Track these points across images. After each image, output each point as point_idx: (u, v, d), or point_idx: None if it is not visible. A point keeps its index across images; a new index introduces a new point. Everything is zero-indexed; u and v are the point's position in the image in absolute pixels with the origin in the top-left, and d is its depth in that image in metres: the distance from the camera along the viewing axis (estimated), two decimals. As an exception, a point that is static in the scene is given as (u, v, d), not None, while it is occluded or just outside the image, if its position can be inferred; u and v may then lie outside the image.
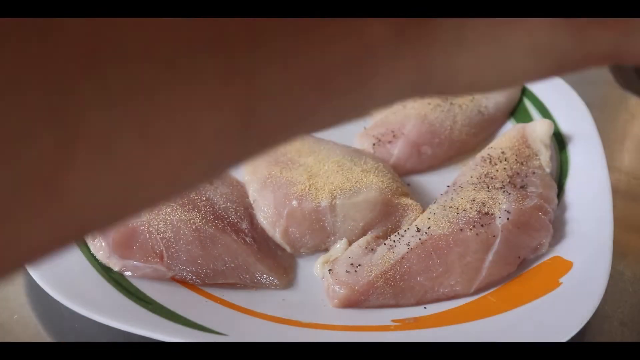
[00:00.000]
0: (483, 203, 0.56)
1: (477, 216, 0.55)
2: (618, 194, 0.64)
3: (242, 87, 0.20)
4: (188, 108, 0.20)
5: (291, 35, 0.21)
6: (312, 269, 0.56)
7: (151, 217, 0.53)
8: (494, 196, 0.57)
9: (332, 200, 0.56)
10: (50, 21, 0.18)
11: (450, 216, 0.55)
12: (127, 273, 0.52)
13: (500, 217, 0.55)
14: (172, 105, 0.19)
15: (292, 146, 0.62)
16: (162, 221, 0.53)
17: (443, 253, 0.53)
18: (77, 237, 0.20)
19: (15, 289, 0.53)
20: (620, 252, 0.57)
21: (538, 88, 0.73)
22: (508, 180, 0.59)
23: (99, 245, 0.52)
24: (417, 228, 0.55)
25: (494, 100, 0.71)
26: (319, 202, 0.56)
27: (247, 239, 0.55)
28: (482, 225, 0.54)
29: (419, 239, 0.54)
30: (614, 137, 0.74)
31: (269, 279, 0.54)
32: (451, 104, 0.69)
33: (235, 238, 0.54)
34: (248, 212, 0.58)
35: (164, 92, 0.19)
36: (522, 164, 0.62)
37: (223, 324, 0.49)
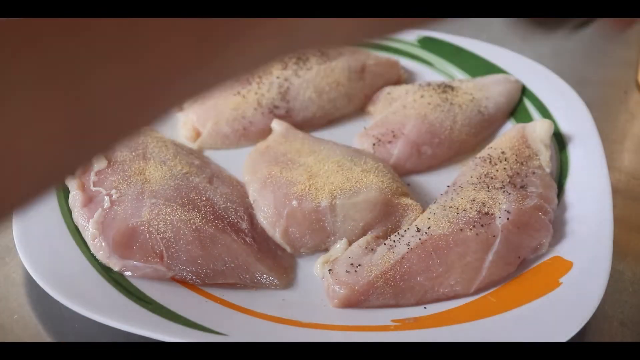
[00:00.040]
0: (483, 203, 0.56)
1: (477, 216, 0.55)
2: (618, 194, 0.64)
3: (72, 91, 0.21)
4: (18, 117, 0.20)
5: (125, 29, 0.22)
6: (312, 269, 0.56)
7: (151, 217, 0.53)
8: (494, 196, 0.57)
9: (332, 200, 0.56)
10: None
11: (450, 216, 0.55)
12: (127, 273, 0.52)
13: (500, 217, 0.55)
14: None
15: (292, 146, 0.62)
16: (162, 221, 0.53)
17: (443, 253, 0.53)
18: None
19: (15, 289, 0.53)
20: (620, 252, 0.58)
21: (538, 88, 0.73)
22: (508, 180, 0.59)
23: (99, 245, 0.52)
24: (417, 228, 0.55)
25: (494, 100, 0.71)
26: (319, 202, 0.56)
27: (247, 239, 0.55)
28: (482, 225, 0.54)
29: (419, 239, 0.54)
30: (614, 137, 0.74)
31: (269, 279, 0.54)
32: (451, 104, 0.69)
33: (235, 238, 0.54)
34: (248, 212, 0.58)
35: None
36: (522, 164, 0.62)
37: (223, 324, 0.49)
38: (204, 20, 0.23)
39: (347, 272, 0.52)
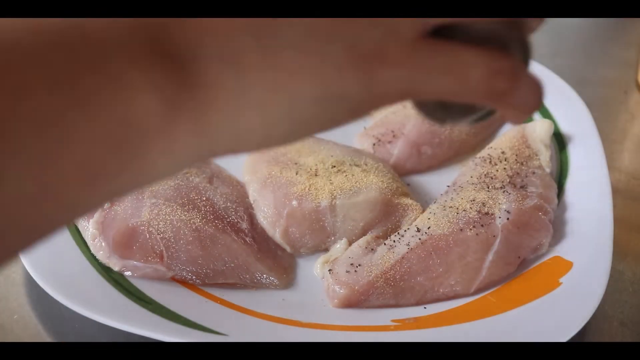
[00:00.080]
0: (483, 203, 0.56)
1: (477, 216, 0.55)
2: (618, 194, 0.64)
3: None
4: None
5: (39, 123, 0.20)
6: (312, 269, 0.56)
7: (151, 217, 0.53)
8: (494, 196, 0.57)
9: (332, 200, 0.56)
10: None
11: (450, 216, 0.55)
12: (127, 273, 0.52)
13: (500, 217, 0.55)
14: None
15: (292, 146, 0.62)
16: (162, 221, 0.53)
17: (443, 253, 0.53)
18: None
19: (15, 289, 0.53)
20: (620, 252, 0.57)
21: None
22: (508, 180, 0.59)
23: (99, 245, 0.52)
24: (417, 228, 0.55)
25: (494, 100, 0.71)
26: (319, 202, 0.56)
27: (247, 239, 0.55)
28: (482, 225, 0.54)
29: (419, 239, 0.54)
30: (614, 137, 0.74)
31: (269, 279, 0.54)
32: (451, 104, 0.69)
33: (235, 238, 0.54)
34: (248, 212, 0.58)
35: None
36: (522, 164, 0.62)
37: (223, 324, 0.49)
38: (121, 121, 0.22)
39: (347, 272, 0.53)
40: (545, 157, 0.63)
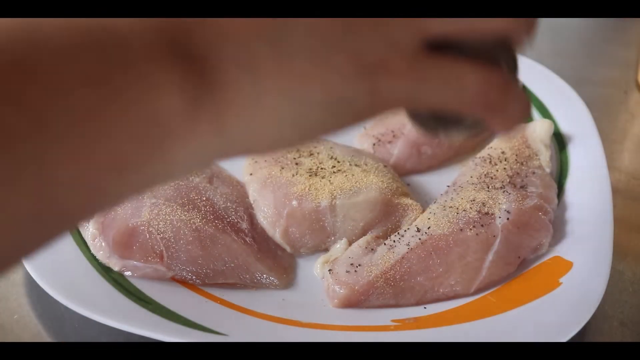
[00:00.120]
0: (483, 203, 0.56)
1: (477, 216, 0.55)
2: (618, 194, 0.64)
3: (31, 180, 0.21)
4: None
5: (76, 116, 0.22)
6: (312, 269, 0.56)
7: (151, 217, 0.53)
8: (494, 196, 0.57)
9: (332, 200, 0.56)
10: None
11: (450, 216, 0.55)
12: (127, 273, 0.52)
13: (500, 217, 0.55)
14: None
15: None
16: (162, 221, 0.53)
17: (443, 253, 0.53)
18: None
19: (15, 289, 0.53)
20: (620, 252, 0.57)
21: (538, 88, 0.73)
22: (508, 180, 0.59)
23: (99, 245, 0.52)
24: (417, 228, 0.55)
25: (494, 100, 0.71)
26: (319, 202, 0.56)
27: (247, 239, 0.55)
28: (482, 225, 0.54)
29: (419, 239, 0.54)
30: (614, 137, 0.74)
31: (269, 279, 0.54)
32: (451, 104, 0.69)
33: (235, 238, 0.54)
34: (248, 212, 0.58)
35: None
36: (522, 164, 0.62)
37: (223, 324, 0.49)
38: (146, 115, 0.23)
39: (347, 272, 0.52)
40: (545, 157, 0.63)
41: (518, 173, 0.60)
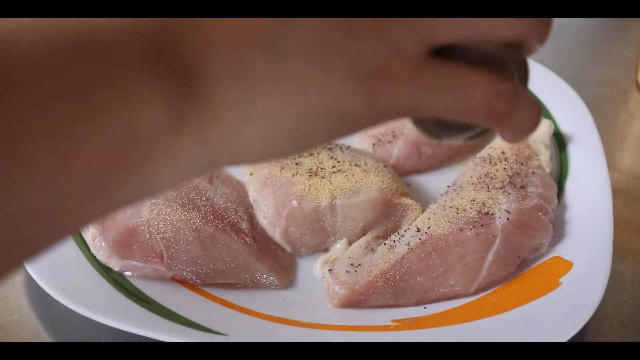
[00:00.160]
0: (483, 203, 0.56)
1: (477, 216, 0.55)
2: (618, 194, 0.64)
3: (7, 206, 0.20)
4: None
5: (47, 134, 0.20)
6: (312, 269, 0.56)
7: (151, 217, 0.53)
8: (494, 196, 0.57)
9: (332, 200, 0.56)
10: None
11: (450, 216, 0.55)
12: (127, 273, 0.52)
13: (500, 217, 0.55)
14: None
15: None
16: (162, 221, 0.53)
17: (443, 253, 0.53)
18: None
19: (15, 289, 0.53)
20: (620, 252, 0.57)
21: (538, 88, 0.73)
22: (508, 180, 0.59)
23: (99, 245, 0.52)
24: (417, 228, 0.55)
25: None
26: (319, 202, 0.56)
27: (247, 239, 0.55)
28: (482, 225, 0.54)
29: (419, 239, 0.54)
30: (614, 137, 0.74)
31: (269, 279, 0.54)
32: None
33: (235, 238, 0.54)
34: (248, 212, 0.58)
35: None
36: (522, 164, 0.62)
37: (223, 324, 0.49)
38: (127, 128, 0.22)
39: (347, 272, 0.52)
40: (545, 157, 0.63)
41: (518, 173, 0.60)
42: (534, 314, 0.50)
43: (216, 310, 0.50)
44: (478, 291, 0.53)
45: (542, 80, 0.74)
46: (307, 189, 0.57)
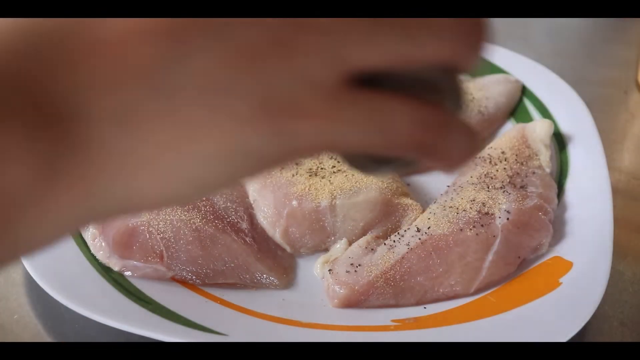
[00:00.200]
0: (483, 203, 0.56)
1: (477, 216, 0.55)
2: (618, 194, 0.64)
3: None
4: None
5: None
6: (312, 269, 0.56)
7: (151, 217, 0.53)
8: (494, 196, 0.57)
9: (332, 200, 0.56)
10: None
11: (450, 216, 0.55)
12: (127, 273, 0.52)
13: (500, 217, 0.55)
14: None
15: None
16: (162, 221, 0.53)
17: (443, 253, 0.53)
18: None
19: (15, 289, 0.53)
20: (620, 252, 0.57)
21: (538, 88, 0.73)
22: (508, 180, 0.59)
23: (99, 245, 0.52)
24: (417, 228, 0.55)
25: (494, 100, 0.71)
26: (319, 202, 0.56)
27: (247, 239, 0.55)
28: (482, 225, 0.54)
29: (419, 239, 0.54)
30: (614, 137, 0.74)
31: (269, 279, 0.54)
32: (451, 104, 0.69)
33: (235, 238, 0.54)
34: (248, 212, 0.58)
35: None
36: (522, 164, 0.62)
37: (223, 324, 0.49)
38: None
39: (347, 272, 0.53)
40: (545, 157, 0.63)
41: (518, 173, 0.60)
42: (534, 314, 0.50)
43: (216, 310, 0.50)
44: (478, 291, 0.53)
45: (542, 80, 0.74)
46: (307, 189, 0.57)
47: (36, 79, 0.20)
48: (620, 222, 0.58)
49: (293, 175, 0.58)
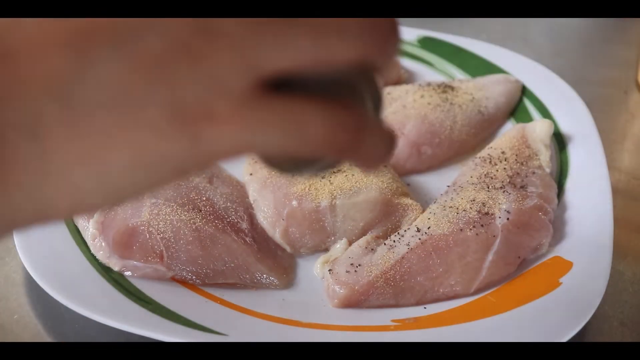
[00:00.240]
0: (483, 203, 0.56)
1: (477, 216, 0.55)
2: (618, 194, 0.64)
3: None
4: None
5: None
6: (312, 269, 0.56)
7: (151, 217, 0.53)
8: (494, 196, 0.57)
9: (332, 200, 0.56)
10: None
11: (450, 216, 0.55)
12: (127, 273, 0.52)
13: (500, 217, 0.55)
14: None
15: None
16: (162, 221, 0.53)
17: (443, 253, 0.53)
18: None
19: (15, 289, 0.53)
20: (620, 252, 0.57)
21: (538, 88, 0.73)
22: (508, 180, 0.59)
23: (99, 245, 0.52)
24: (417, 228, 0.55)
25: (494, 100, 0.71)
26: (319, 202, 0.56)
27: (247, 239, 0.55)
28: (482, 225, 0.54)
29: (419, 239, 0.54)
30: (614, 137, 0.74)
31: (269, 279, 0.54)
32: (451, 104, 0.69)
33: (235, 238, 0.54)
34: (248, 212, 0.58)
35: None
36: (522, 164, 0.62)
37: (223, 324, 0.49)
38: None
39: (347, 272, 0.53)
40: (545, 157, 0.63)
41: (518, 173, 0.60)
42: (534, 314, 0.50)
43: (216, 310, 0.50)
44: (478, 291, 0.53)
45: (542, 80, 0.74)
46: (307, 189, 0.57)
47: None
48: (620, 222, 0.58)
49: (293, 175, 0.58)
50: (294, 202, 0.56)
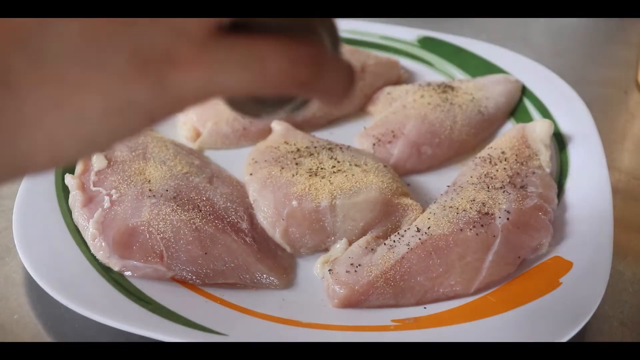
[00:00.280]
0: (483, 203, 0.56)
1: (477, 216, 0.55)
2: (618, 194, 0.64)
3: None
4: None
5: None
6: (312, 269, 0.56)
7: (151, 217, 0.53)
8: (494, 196, 0.57)
9: (332, 200, 0.56)
10: None
11: (450, 216, 0.55)
12: (127, 273, 0.52)
13: (500, 217, 0.55)
14: None
15: (292, 146, 0.62)
16: (162, 221, 0.53)
17: (443, 253, 0.53)
18: None
19: (15, 289, 0.53)
20: (620, 252, 0.58)
21: (538, 88, 0.73)
22: (508, 180, 0.59)
23: (99, 245, 0.52)
24: (417, 228, 0.55)
25: (494, 100, 0.71)
26: (319, 202, 0.56)
27: (247, 239, 0.55)
28: (482, 225, 0.54)
29: (419, 239, 0.54)
30: (614, 137, 0.74)
31: (269, 279, 0.54)
32: (451, 104, 0.69)
33: (235, 238, 0.54)
34: (248, 212, 0.58)
35: None
36: (522, 164, 0.62)
37: (223, 324, 0.49)
38: None
39: (347, 272, 0.52)
40: (545, 157, 0.63)
41: (518, 173, 0.60)
42: (534, 314, 0.50)
43: (216, 310, 0.50)
44: (478, 291, 0.53)
45: (542, 80, 0.74)
46: (307, 189, 0.57)
47: None
48: (620, 222, 0.58)
49: (293, 175, 0.58)
50: (294, 202, 0.56)
